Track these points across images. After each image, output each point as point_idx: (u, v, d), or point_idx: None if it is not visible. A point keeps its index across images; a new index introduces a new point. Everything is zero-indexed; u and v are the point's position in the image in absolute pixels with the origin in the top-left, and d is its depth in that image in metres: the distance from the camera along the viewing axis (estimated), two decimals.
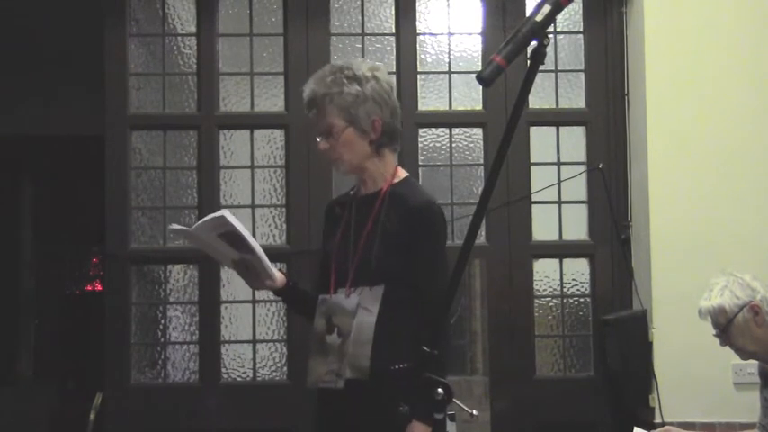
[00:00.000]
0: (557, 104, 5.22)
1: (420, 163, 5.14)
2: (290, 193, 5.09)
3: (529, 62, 2.05)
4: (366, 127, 3.09)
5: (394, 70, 5.15)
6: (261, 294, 4.94)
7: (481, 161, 5.17)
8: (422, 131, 5.17)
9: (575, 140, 5.20)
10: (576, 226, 5.17)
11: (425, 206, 3.09)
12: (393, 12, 5.20)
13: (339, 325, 3.09)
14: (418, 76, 5.17)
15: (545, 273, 5.17)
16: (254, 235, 5.08)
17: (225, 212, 3.16)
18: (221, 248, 3.22)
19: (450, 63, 5.21)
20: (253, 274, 3.22)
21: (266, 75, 5.19)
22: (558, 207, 5.17)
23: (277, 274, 3.24)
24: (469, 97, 5.21)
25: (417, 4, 5.20)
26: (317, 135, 3.16)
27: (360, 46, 5.18)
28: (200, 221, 3.26)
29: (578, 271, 5.16)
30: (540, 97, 5.18)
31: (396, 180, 3.15)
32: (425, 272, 3.04)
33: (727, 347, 3.81)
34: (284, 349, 5.06)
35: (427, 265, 3.04)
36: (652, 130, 4.90)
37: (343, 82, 3.08)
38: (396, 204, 3.09)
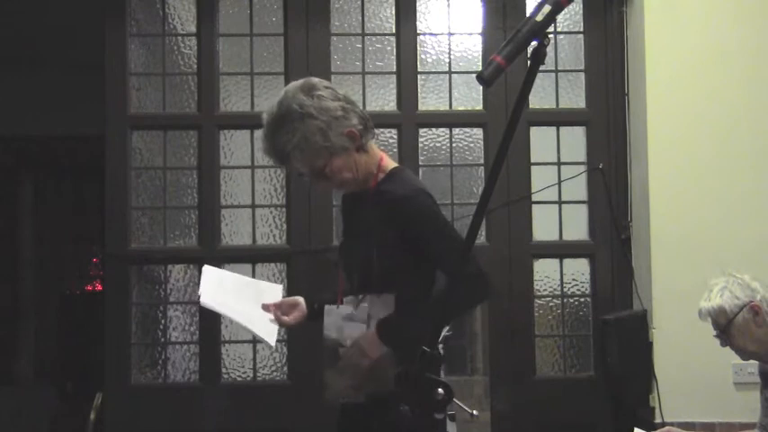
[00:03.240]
0: (557, 104, 5.22)
1: (420, 163, 5.14)
2: (290, 193, 5.09)
3: (529, 62, 2.05)
4: (345, 144, 3.01)
5: (394, 70, 5.15)
6: None
7: (481, 161, 5.17)
8: (422, 131, 5.17)
9: (575, 140, 5.19)
10: (576, 226, 5.17)
11: (406, 199, 3.01)
12: (393, 12, 5.20)
13: (352, 337, 3.04)
14: (418, 76, 5.17)
15: (545, 273, 5.17)
16: (254, 235, 5.10)
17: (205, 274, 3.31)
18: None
19: (450, 63, 5.21)
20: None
21: (266, 75, 5.18)
22: (558, 207, 5.17)
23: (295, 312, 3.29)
24: (470, 97, 5.21)
25: (417, 4, 5.20)
26: (306, 177, 3.10)
27: (360, 46, 5.18)
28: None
29: (578, 271, 5.16)
30: (540, 97, 5.18)
31: (382, 175, 3.09)
32: (440, 259, 2.95)
33: (728, 347, 3.81)
34: (284, 349, 5.05)
35: (438, 253, 2.95)
36: (652, 130, 4.90)
37: (296, 127, 2.95)
38: (382, 203, 3.03)
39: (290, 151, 2.97)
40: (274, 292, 3.37)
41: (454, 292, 2.66)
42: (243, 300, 3.29)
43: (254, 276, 4.95)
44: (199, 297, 3.23)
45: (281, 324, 3.25)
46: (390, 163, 3.15)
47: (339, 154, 3.00)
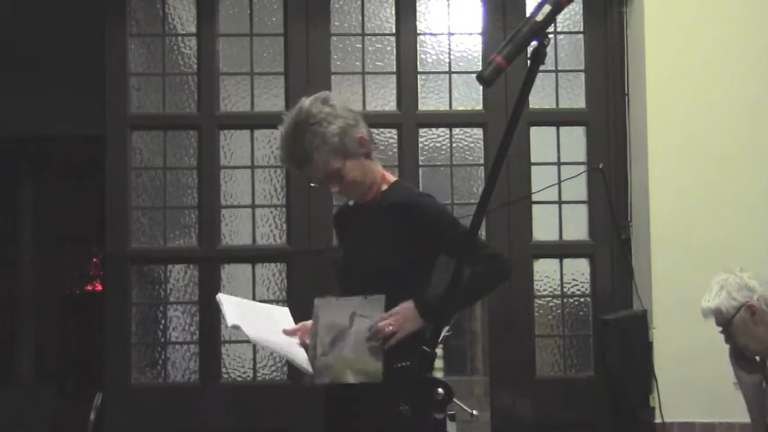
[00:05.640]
0: (557, 104, 5.23)
1: (420, 163, 5.14)
2: (290, 193, 5.09)
3: (529, 62, 2.05)
4: (357, 150, 3.17)
5: (394, 70, 5.16)
6: (261, 295, 4.96)
7: (481, 161, 5.17)
8: (422, 131, 5.17)
9: (575, 140, 5.20)
10: (576, 226, 5.17)
11: (415, 203, 3.19)
12: (393, 12, 5.20)
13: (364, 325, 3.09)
14: (418, 76, 5.17)
15: (545, 273, 5.17)
16: (254, 235, 5.11)
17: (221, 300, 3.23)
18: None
19: (450, 63, 5.21)
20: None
21: (266, 75, 5.19)
22: (558, 207, 5.17)
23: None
24: (470, 97, 5.22)
25: (417, 4, 5.20)
26: (320, 182, 3.22)
27: (360, 46, 5.18)
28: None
29: (578, 271, 5.17)
30: (540, 97, 5.18)
31: (385, 186, 3.25)
32: (456, 247, 3.05)
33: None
34: None
35: (454, 242, 3.09)
36: (652, 130, 4.90)
37: (317, 131, 3.13)
38: (388, 208, 3.18)
39: (312, 151, 3.12)
40: (284, 315, 3.37)
41: (479, 272, 3.03)
42: (264, 326, 3.24)
43: (253, 277, 4.97)
44: (227, 323, 3.14)
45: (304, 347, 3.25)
46: (391, 177, 3.32)
47: (353, 158, 3.17)
